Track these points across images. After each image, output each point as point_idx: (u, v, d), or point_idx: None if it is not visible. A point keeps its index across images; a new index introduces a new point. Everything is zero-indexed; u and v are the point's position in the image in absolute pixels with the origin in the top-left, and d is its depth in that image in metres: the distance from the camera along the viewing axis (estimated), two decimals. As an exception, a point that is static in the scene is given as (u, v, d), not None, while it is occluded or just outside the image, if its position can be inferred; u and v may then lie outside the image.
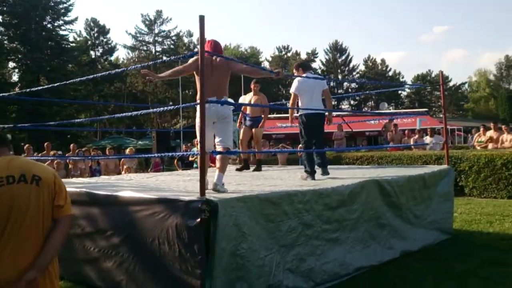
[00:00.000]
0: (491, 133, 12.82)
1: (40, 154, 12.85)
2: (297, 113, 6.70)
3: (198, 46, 3.77)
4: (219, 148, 4.83)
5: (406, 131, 15.66)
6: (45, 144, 13.46)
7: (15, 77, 35.52)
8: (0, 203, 2.23)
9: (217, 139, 4.92)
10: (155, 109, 5.31)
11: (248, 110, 8.15)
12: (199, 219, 3.65)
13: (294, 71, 6.61)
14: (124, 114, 5.99)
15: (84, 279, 4.71)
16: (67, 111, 30.27)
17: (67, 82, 6.94)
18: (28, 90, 7.49)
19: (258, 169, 8.09)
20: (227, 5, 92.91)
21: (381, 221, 5.39)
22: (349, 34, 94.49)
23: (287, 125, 23.02)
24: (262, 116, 8.20)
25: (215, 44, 5.05)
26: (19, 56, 33.07)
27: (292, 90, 6.36)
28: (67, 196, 2.48)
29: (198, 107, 4.40)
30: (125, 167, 11.67)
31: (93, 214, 4.64)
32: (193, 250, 3.71)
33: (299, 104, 6.33)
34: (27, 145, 13.05)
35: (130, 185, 5.60)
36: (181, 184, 5.67)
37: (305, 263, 4.37)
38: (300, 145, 6.60)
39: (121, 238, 4.35)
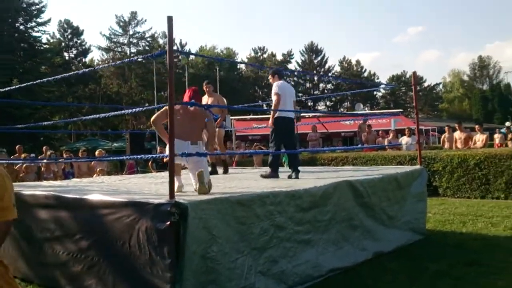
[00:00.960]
0: (457, 134, 13.08)
1: (12, 157, 12.53)
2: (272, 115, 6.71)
3: (167, 47, 3.68)
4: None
5: (380, 132, 15.80)
6: (17, 147, 13.14)
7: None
8: None
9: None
10: (129, 110, 5.20)
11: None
12: (168, 222, 3.58)
13: (270, 77, 6.88)
14: (98, 115, 5.85)
15: (55, 283, 4.58)
16: (40, 113, 29.62)
17: (37, 82, 6.74)
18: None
19: (225, 171, 7.98)
20: (203, 6, 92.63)
21: (353, 222, 5.39)
22: (324, 35, 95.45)
23: (263, 126, 23.00)
24: (219, 115, 7.99)
25: (195, 93, 5.19)
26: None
27: (277, 91, 6.47)
28: (7, 199, 2.28)
29: None
30: (97, 169, 11.45)
31: (62, 217, 4.54)
32: (163, 253, 3.64)
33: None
34: (-4, 148, 12.70)
35: (101, 188, 5.47)
36: (153, 187, 5.57)
37: (277, 265, 4.33)
38: (270, 146, 6.63)
39: (91, 241, 4.25)
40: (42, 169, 11.16)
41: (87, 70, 6.96)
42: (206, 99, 8.04)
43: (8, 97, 26.66)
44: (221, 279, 3.79)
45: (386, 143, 14.24)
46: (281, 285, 4.35)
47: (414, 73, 6.93)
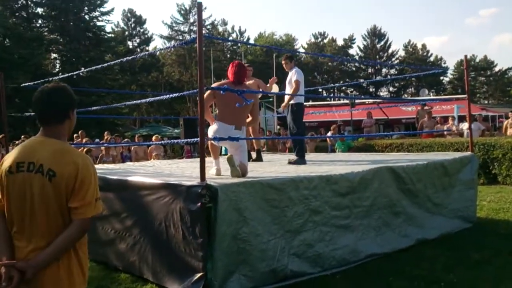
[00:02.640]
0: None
1: (74, 142, 13.30)
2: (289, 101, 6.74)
3: (197, 32, 3.78)
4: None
5: (438, 118, 15.21)
6: (80, 132, 13.94)
7: (57, 68, 36.74)
8: (17, 189, 2.09)
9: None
10: (167, 96, 5.35)
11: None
12: (199, 204, 3.73)
13: (285, 62, 6.87)
14: (146, 100, 6.18)
15: (104, 259, 4.92)
16: (105, 100, 31.08)
17: (104, 65, 7.09)
18: (52, 79, 7.71)
19: (259, 159, 7.66)
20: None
21: (396, 208, 5.31)
22: (388, 19, 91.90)
23: (320, 112, 22.76)
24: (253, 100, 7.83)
25: (238, 68, 5.07)
26: (60, 47, 34.18)
27: (298, 78, 6.55)
28: (91, 195, 2.10)
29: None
30: (153, 154, 11.92)
31: (108, 197, 4.82)
32: (195, 233, 3.80)
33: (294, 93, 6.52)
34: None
35: (146, 171, 5.75)
36: (196, 170, 5.73)
37: (313, 248, 4.38)
38: (292, 132, 6.68)
39: (133, 221, 4.52)
40: (102, 153, 11.78)
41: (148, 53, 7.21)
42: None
43: (75, 85, 28.35)
44: (252, 259, 3.91)
45: (448, 129, 13.70)
46: (316, 268, 4.41)
47: (465, 56, 6.65)
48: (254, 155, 7.80)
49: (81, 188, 2.07)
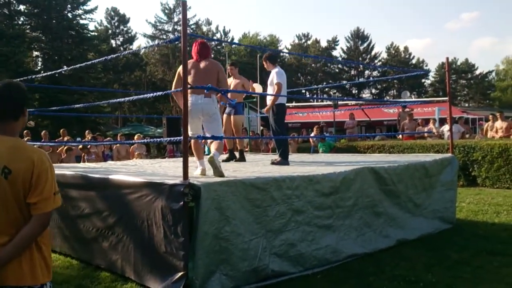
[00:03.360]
0: (498, 123, 12.58)
1: (56, 140, 13.15)
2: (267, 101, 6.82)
3: (181, 31, 3.77)
4: (211, 146, 5.08)
5: (420, 120, 15.41)
6: (61, 130, 13.78)
7: (39, 66, 36.20)
8: None
9: (208, 135, 5.11)
10: (149, 95, 5.35)
11: (229, 95, 7.62)
12: (182, 203, 3.71)
13: (265, 62, 6.83)
14: (129, 98, 6.12)
15: (87, 257, 4.90)
16: (88, 99, 30.74)
17: (87, 63, 7.00)
18: (34, 77, 7.61)
19: (241, 159, 7.68)
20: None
21: (377, 209, 5.36)
22: (371, 21, 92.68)
23: (303, 114, 22.91)
24: (236, 100, 7.63)
25: (200, 46, 5.33)
26: (42, 45, 33.69)
27: (279, 80, 6.51)
28: (48, 190, 2.13)
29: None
30: (136, 153, 11.84)
31: (90, 196, 4.79)
32: (177, 232, 3.79)
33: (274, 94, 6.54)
34: (43, 131, 13.35)
35: (128, 170, 5.71)
36: (179, 170, 5.71)
37: (295, 248, 4.39)
38: (274, 132, 6.69)
39: (115, 219, 4.49)
40: (83, 152, 11.64)
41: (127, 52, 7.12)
42: (230, 81, 7.74)
43: (58, 83, 27.98)
44: (233, 259, 3.91)
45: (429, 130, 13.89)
46: (297, 268, 4.43)
47: (447, 59, 6.76)
48: (237, 155, 7.80)
49: (38, 183, 2.09)
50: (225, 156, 7.71)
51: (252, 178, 4.22)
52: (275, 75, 6.53)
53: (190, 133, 4.88)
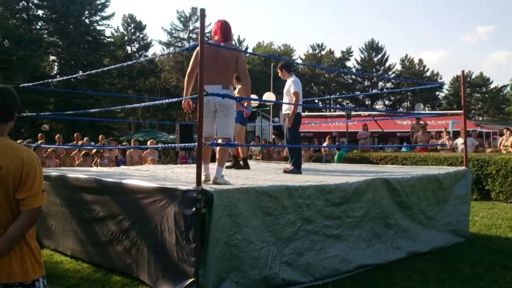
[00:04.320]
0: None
1: (70, 144, 13.29)
2: (283, 111, 6.81)
3: (199, 39, 3.81)
4: (219, 140, 4.90)
5: (433, 133, 15.30)
6: (75, 134, 13.94)
7: (55, 70, 36.70)
8: None
9: (217, 130, 4.99)
10: (163, 101, 5.35)
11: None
12: (194, 209, 3.73)
13: (280, 71, 6.79)
14: (143, 104, 6.16)
15: (100, 261, 4.92)
16: (102, 104, 31.08)
17: (98, 70, 7.08)
18: (50, 81, 7.71)
19: (246, 166, 7.57)
20: (262, 2, 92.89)
21: (388, 220, 5.32)
22: (386, 33, 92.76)
23: (316, 123, 22.95)
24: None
25: (224, 26, 5.04)
26: (59, 50, 34.18)
27: (296, 89, 6.52)
28: (37, 186, 2.21)
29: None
30: (148, 159, 11.92)
31: (103, 200, 4.83)
32: (188, 238, 3.80)
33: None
34: (58, 135, 13.51)
35: (141, 175, 5.74)
36: (191, 176, 5.74)
37: (303, 257, 4.38)
38: (289, 142, 6.69)
39: (130, 223, 4.52)
40: (96, 156, 11.75)
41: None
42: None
43: (73, 88, 28.34)
44: (244, 267, 3.91)
45: (442, 143, 13.80)
46: (307, 277, 4.40)
47: (462, 71, 6.73)
48: (241, 162, 7.76)
49: (27, 180, 2.18)
50: (229, 163, 7.65)
51: (264, 186, 4.23)
52: (292, 84, 6.54)
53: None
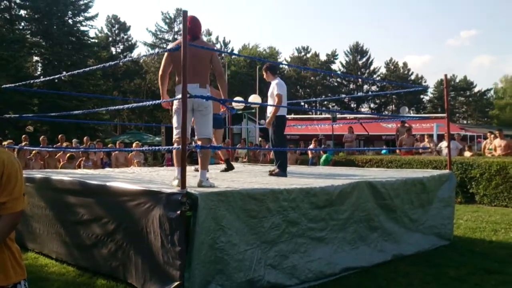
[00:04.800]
0: (497, 141, 12.61)
1: (54, 146, 13.13)
2: (268, 113, 6.81)
3: (181, 41, 3.78)
4: (198, 142, 4.84)
5: (418, 136, 15.46)
6: (59, 136, 13.77)
7: (38, 71, 36.23)
8: None
9: (197, 131, 4.91)
10: (148, 103, 5.38)
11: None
12: (179, 212, 3.69)
13: (265, 73, 6.79)
14: (128, 106, 6.09)
15: (85, 264, 4.85)
16: (87, 105, 30.73)
17: (80, 70, 6.93)
18: (33, 81, 7.58)
19: (229, 167, 7.52)
20: (247, 5, 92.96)
21: (372, 223, 5.34)
22: (371, 36, 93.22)
23: (302, 126, 22.96)
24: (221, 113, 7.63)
25: (192, 23, 4.84)
26: (42, 50, 33.71)
27: (279, 92, 6.49)
28: (18, 190, 2.16)
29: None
30: (135, 161, 11.82)
31: (88, 202, 4.77)
32: (173, 241, 3.77)
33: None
34: (42, 137, 13.34)
35: (125, 177, 5.69)
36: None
37: (288, 260, 4.37)
38: (273, 144, 6.68)
39: (114, 226, 4.48)
40: (82, 157, 11.62)
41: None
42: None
43: (57, 89, 27.99)
44: (229, 269, 3.88)
45: (422, 146, 13.95)
46: (293, 280, 4.39)
47: (445, 75, 6.78)
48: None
49: (8, 184, 2.13)
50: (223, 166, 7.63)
51: (249, 188, 4.21)
52: (275, 86, 6.53)
53: (175, 132, 4.78)
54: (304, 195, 4.56)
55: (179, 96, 4.31)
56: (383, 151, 16.28)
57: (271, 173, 6.52)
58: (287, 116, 7.16)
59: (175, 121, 4.86)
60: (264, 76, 6.85)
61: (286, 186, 4.58)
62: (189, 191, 3.77)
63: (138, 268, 4.14)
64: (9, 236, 2.18)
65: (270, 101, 6.66)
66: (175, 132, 4.83)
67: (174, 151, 4.76)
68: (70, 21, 34.35)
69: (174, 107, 4.90)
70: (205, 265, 3.74)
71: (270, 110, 6.64)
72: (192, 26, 4.82)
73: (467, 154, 13.52)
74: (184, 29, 3.91)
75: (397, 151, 14.51)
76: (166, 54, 4.97)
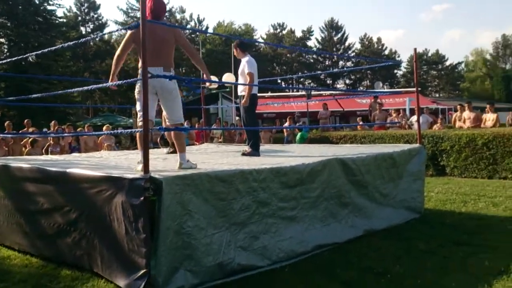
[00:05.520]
0: (466, 113, 12.79)
1: (20, 131, 12.75)
2: (239, 92, 6.71)
3: (140, 18, 3.61)
4: (175, 140, 4.71)
5: (391, 111, 15.57)
6: (25, 121, 13.35)
7: (4, 54, 35.01)
8: None
9: (165, 115, 4.81)
10: (119, 82, 5.12)
11: None
12: (142, 197, 3.57)
13: (236, 50, 6.63)
14: (94, 86, 5.80)
15: (49, 254, 4.70)
16: (57, 88, 29.95)
17: (45, 50, 6.60)
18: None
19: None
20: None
21: (343, 199, 5.32)
22: (346, 12, 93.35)
23: (278, 104, 22.88)
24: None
25: (155, 4, 4.70)
26: (7, 31, 32.56)
27: (250, 70, 6.35)
28: None
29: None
30: (104, 144, 11.56)
31: (49, 190, 4.60)
32: (138, 228, 3.65)
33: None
34: (7, 122, 12.92)
35: (89, 163, 5.51)
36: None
37: (258, 240, 4.31)
38: (246, 123, 6.59)
39: (77, 214, 4.31)
40: (49, 142, 11.29)
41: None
42: None
43: (24, 72, 27.13)
44: (197, 254, 3.80)
45: (393, 121, 14.06)
46: (264, 261, 4.34)
47: (415, 49, 6.73)
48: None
49: None
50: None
51: (217, 170, 4.11)
52: (246, 64, 6.39)
53: (139, 115, 4.59)
54: (274, 175, 4.49)
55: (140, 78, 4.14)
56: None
57: (244, 153, 6.43)
58: (263, 94, 7.08)
59: (138, 105, 4.69)
60: (235, 54, 6.70)
61: (256, 166, 4.49)
62: (152, 175, 3.64)
63: (104, 257, 4.02)
64: None
65: (240, 79, 6.52)
66: (138, 115, 4.67)
67: (137, 135, 4.62)
68: (36, 0, 33.17)
69: (136, 90, 4.76)
70: (171, 251, 3.65)
71: (241, 89, 6.51)
72: (155, 7, 4.67)
73: (436, 127, 13.70)
74: (142, 5, 3.73)
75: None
76: (128, 33, 4.76)
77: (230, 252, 4.05)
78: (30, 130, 12.53)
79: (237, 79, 6.93)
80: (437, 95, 64.95)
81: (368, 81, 62.41)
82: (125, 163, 5.54)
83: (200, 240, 3.82)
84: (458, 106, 13.92)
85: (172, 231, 3.64)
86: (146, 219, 3.59)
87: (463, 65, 69.79)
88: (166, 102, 4.68)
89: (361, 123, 16.13)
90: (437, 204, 7.45)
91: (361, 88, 60.99)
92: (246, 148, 6.70)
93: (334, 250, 4.93)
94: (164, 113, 4.84)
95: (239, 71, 6.56)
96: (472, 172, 10.33)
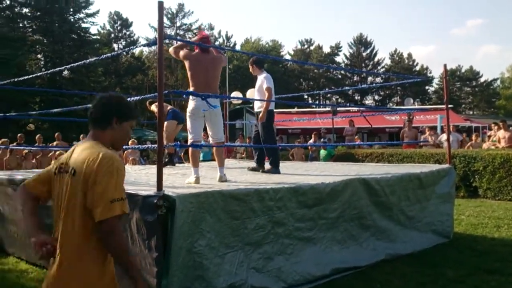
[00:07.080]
0: (501, 132, 12.26)
1: (50, 144, 12.96)
2: (256, 109, 6.63)
3: (157, 34, 3.56)
4: (217, 157, 5.23)
5: (423, 128, 15.17)
6: (56, 134, 13.60)
7: (40, 70, 36.13)
8: (54, 190, 2.19)
9: (209, 133, 5.26)
10: (149, 95, 5.38)
11: None
12: (156, 215, 3.48)
13: (252, 67, 6.59)
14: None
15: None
16: (88, 102, 30.68)
17: (74, 64, 6.80)
18: (30, 77, 7.39)
19: (171, 163, 8.02)
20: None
21: (365, 221, 5.10)
22: (375, 27, 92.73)
23: (304, 119, 22.69)
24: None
25: (203, 40, 5.23)
26: (43, 48, 33.63)
27: (269, 85, 6.25)
28: (110, 195, 2.01)
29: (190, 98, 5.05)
30: (130, 159, 11.62)
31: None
32: (150, 246, 3.57)
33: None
34: (38, 135, 13.16)
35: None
36: (165, 177, 5.49)
37: (273, 262, 4.15)
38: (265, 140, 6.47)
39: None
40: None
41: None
42: None
43: (58, 87, 27.89)
44: (208, 275, 3.67)
45: (423, 139, 13.66)
46: (279, 283, 4.17)
47: (445, 65, 6.51)
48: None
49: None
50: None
51: (232, 189, 3.99)
52: (264, 80, 6.29)
53: (191, 136, 5.09)
54: (292, 194, 4.34)
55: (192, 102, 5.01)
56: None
57: (264, 171, 6.30)
58: (289, 110, 7.00)
59: (189, 125, 5.15)
60: (251, 70, 6.62)
61: (273, 185, 4.35)
62: (166, 193, 3.55)
63: (117, 276, 3.92)
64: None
65: (257, 96, 6.43)
66: (189, 136, 5.12)
67: (189, 152, 5.12)
68: (71, 18, 34.20)
69: (188, 113, 5.17)
70: (183, 271, 3.53)
71: (258, 105, 6.41)
72: (204, 42, 5.20)
73: (470, 144, 13.23)
74: (159, 20, 3.70)
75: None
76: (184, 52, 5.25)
77: (242, 273, 3.90)
78: (55, 143, 12.71)
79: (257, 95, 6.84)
80: (470, 112, 63.39)
81: (398, 97, 61.44)
82: (144, 178, 5.49)
83: (212, 260, 3.69)
84: (492, 125, 13.41)
85: (184, 250, 3.53)
86: (160, 237, 3.49)
87: (498, 81, 67.95)
88: (213, 123, 5.17)
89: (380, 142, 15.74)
90: (467, 228, 7.09)
91: (391, 104, 60.06)
92: (253, 164, 6.74)
93: (355, 275, 4.72)
94: (209, 131, 5.32)
95: (256, 87, 6.48)
96: (507, 194, 9.85)
